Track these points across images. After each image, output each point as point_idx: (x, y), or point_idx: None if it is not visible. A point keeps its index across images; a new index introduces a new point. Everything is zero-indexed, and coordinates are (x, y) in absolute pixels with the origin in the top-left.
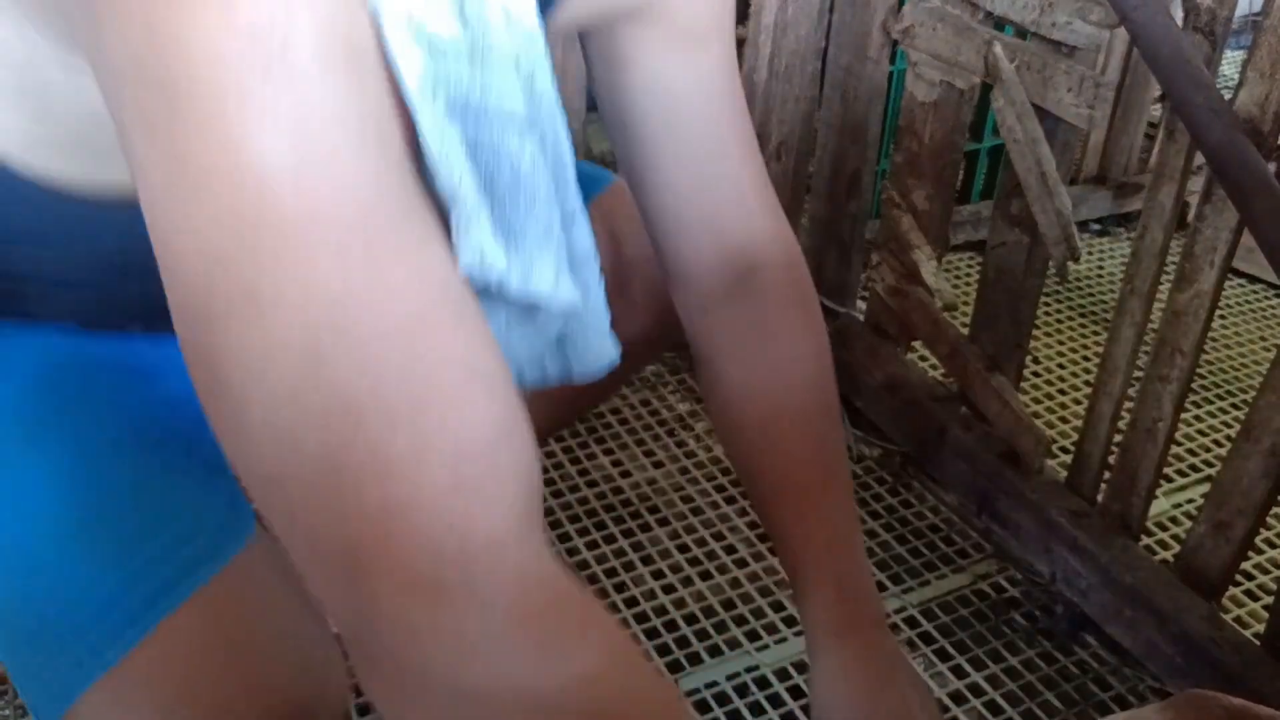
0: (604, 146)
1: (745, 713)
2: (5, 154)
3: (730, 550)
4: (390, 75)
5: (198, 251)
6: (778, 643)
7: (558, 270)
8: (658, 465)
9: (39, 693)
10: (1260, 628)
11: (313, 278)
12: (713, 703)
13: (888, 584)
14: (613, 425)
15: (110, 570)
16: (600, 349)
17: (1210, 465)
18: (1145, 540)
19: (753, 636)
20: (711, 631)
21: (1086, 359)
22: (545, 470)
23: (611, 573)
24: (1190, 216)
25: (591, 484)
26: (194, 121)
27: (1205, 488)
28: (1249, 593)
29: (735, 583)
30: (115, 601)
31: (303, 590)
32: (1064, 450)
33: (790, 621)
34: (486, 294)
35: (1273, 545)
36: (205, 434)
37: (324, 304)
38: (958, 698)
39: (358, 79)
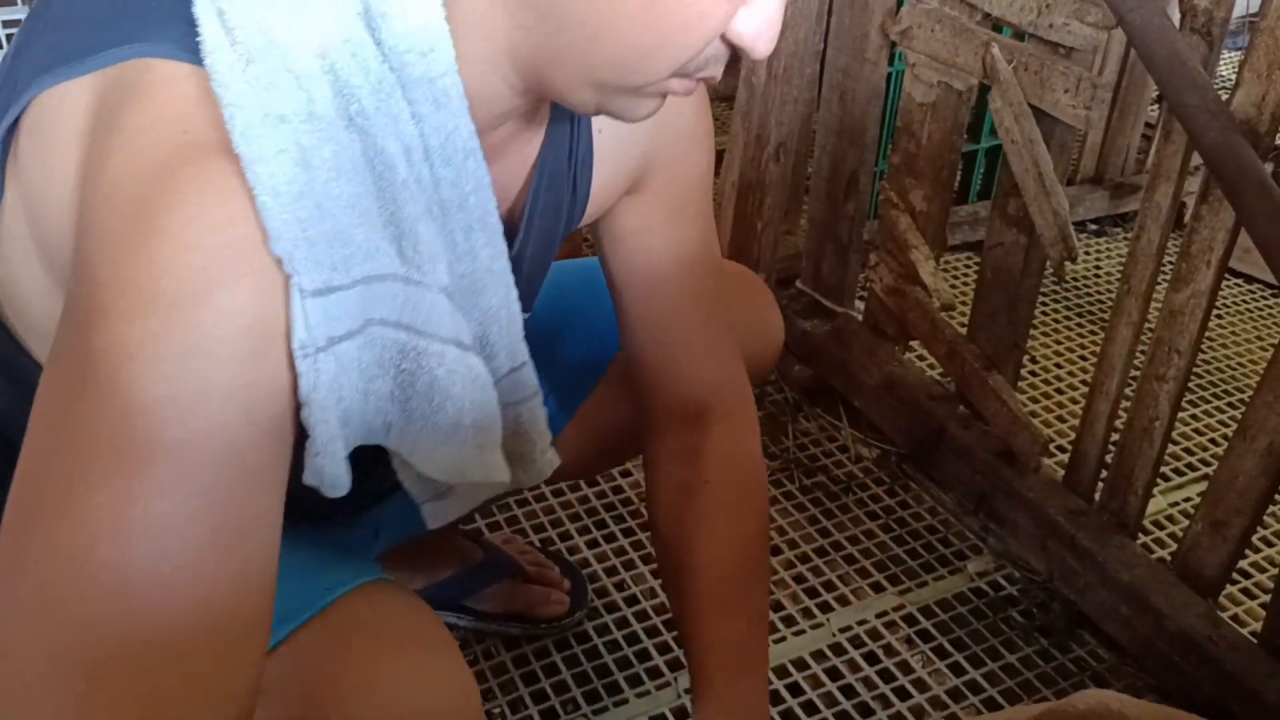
0: None
1: None
2: None
3: None
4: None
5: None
6: (776, 641)
7: (467, 460)
8: None
9: None
10: (1257, 625)
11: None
12: None
13: (885, 584)
14: None
15: None
16: (545, 465)
17: (1207, 464)
18: (1142, 539)
19: None
20: None
21: (1084, 358)
22: None
23: (611, 571)
24: (1187, 216)
25: (592, 483)
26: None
27: (1202, 486)
28: (1246, 591)
29: None
30: None
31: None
32: (1061, 449)
33: (789, 621)
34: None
35: (1270, 544)
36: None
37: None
38: (956, 695)
39: (250, 360)
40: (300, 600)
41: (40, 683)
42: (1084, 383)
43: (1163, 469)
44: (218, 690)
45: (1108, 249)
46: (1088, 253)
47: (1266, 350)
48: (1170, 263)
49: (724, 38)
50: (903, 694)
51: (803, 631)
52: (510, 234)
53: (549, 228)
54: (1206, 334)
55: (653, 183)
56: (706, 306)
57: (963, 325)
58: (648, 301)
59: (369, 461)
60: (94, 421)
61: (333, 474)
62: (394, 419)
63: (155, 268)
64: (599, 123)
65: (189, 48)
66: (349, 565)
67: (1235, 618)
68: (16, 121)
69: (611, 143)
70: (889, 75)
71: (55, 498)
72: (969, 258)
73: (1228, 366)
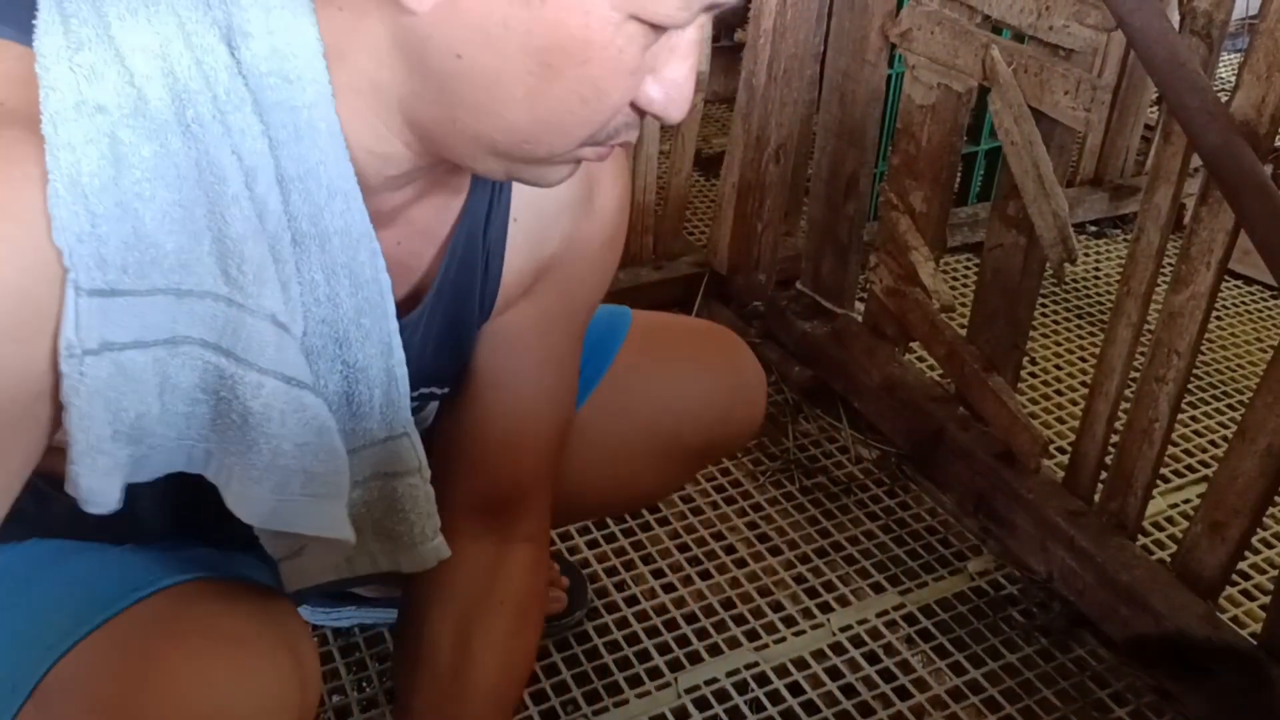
0: None
1: (745, 709)
2: None
3: (730, 550)
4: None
5: None
6: (777, 641)
7: (289, 505)
8: None
9: None
10: (1256, 627)
11: None
12: (713, 700)
13: (886, 584)
14: None
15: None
16: (428, 551)
17: (1207, 465)
18: (1142, 540)
19: (752, 635)
20: (711, 630)
21: (1083, 360)
22: None
23: (612, 571)
24: (1186, 218)
25: None
26: None
27: (1202, 488)
28: (1245, 592)
29: (735, 582)
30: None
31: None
32: (1061, 450)
33: (789, 621)
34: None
35: (1269, 545)
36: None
37: None
38: (956, 694)
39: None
40: (103, 600)
41: None
42: (1083, 384)
43: (1162, 470)
44: None
45: (1107, 251)
46: (1087, 254)
47: (1266, 352)
48: (1170, 264)
49: (634, 105)
50: (903, 693)
51: (803, 631)
52: (412, 300)
53: (461, 308)
54: (1206, 336)
55: (549, 288)
56: (557, 425)
57: (962, 326)
58: (501, 397)
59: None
60: None
61: (89, 488)
62: (214, 448)
63: None
64: (515, 211)
65: (30, 31)
66: (175, 563)
67: (1235, 619)
68: None
69: (525, 235)
70: (889, 77)
71: None
72: (969, 259)
73: (1227, 368)
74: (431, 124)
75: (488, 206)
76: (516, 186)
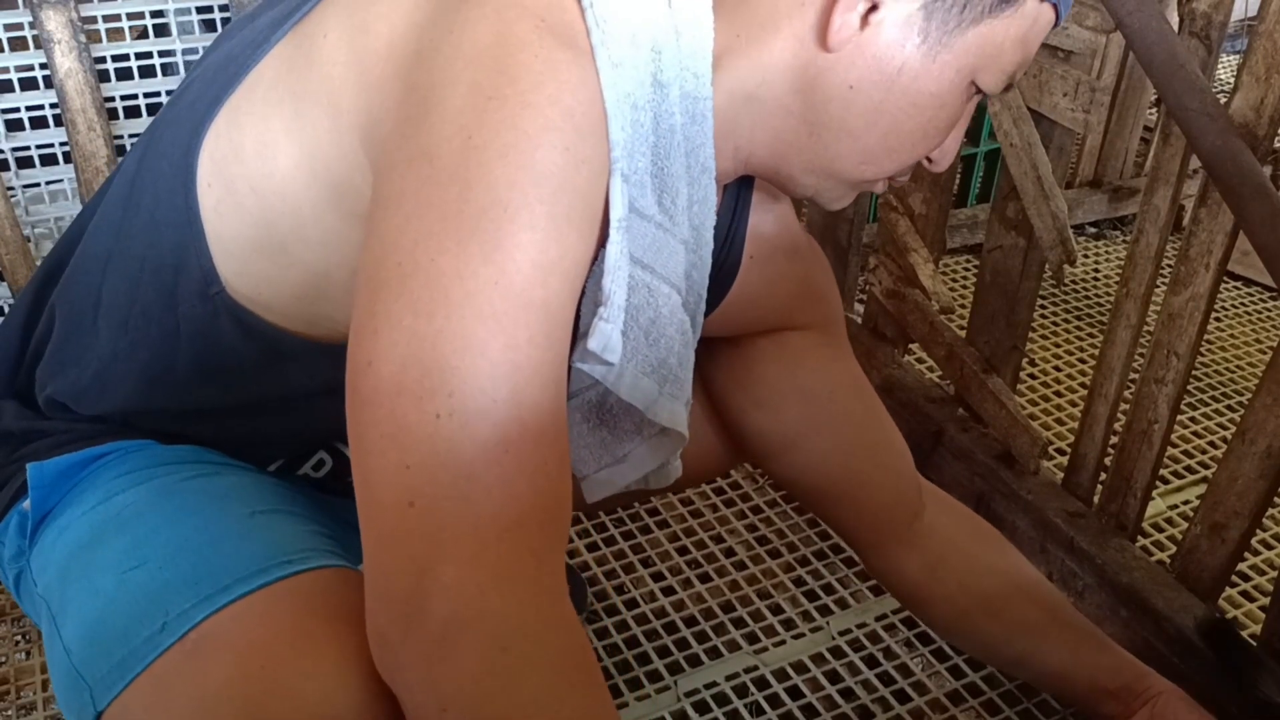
0: None
1: (744, 713)
2: (236, 291)
3: (729, 553)
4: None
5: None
6: (776, 645)
7: (661, 398)
8: None
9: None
10: (1257, 628)
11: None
12: (712, 703)
13: (883, 586)
14: None
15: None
16: (674, 469)
17: (1206, 467)
18: (1141, 541)
19: (751, 639)
20: (710, 634)
21: (1082, 361)
22: None
23: (611, 574)
24: (1185, 220)
25: None
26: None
27: (1201, 489)
28: (1245, 594)
29: (734, 585)
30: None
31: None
32: (1060, 451)
33: (788, 624)
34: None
35: (1269, 546)
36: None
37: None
38: (955, 698)
39: (574, 229)
40: (231, 576)
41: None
42: (1083, 385)
43: (1162, 471)
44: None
45: (1106, 252)
46: (1086, 256)
47: (1265, 353)
48: (1169, 266)
49: None
50: (902, 697)
51: (802, 635)
52: None
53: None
54: (1205, 337)
55: (818, 321)
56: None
57: (962, 328)
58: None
59: None
60: (478, 280)
61: (611, 337)
62: (629, 334)
63: (530, 140)
64: (751, 248)
65: None
66: (298, 546)
67: (1235, 620)
68: None
69: (759, 273)
70: None
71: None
72: (968, 260)
73: (1226, 369)
74: (785, 137)
75: (726, 232)
76: (753, 229)
